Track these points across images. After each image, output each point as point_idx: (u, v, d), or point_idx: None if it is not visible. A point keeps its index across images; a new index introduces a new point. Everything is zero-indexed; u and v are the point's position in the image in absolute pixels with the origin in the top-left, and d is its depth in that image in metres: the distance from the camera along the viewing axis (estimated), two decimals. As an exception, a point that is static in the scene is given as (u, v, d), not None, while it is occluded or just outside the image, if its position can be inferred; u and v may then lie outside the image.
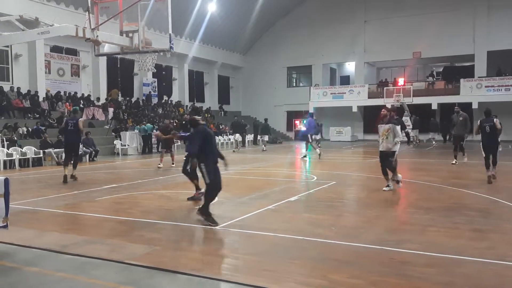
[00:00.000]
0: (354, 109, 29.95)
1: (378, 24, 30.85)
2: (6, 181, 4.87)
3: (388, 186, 8.50)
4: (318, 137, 21.76)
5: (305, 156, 16.21)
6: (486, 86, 26.25)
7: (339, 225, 5.88)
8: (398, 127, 8.52)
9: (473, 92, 26.28)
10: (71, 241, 5.15)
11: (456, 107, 13.54)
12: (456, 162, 13.14)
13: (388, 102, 27.26)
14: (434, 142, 24.54)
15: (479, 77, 27.39)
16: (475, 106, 25.73)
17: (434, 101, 27.22)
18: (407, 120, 26.08)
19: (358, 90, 30.06)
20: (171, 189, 9.34)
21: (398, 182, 8.54)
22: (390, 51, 30.05)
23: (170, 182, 10.60)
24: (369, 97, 29.05)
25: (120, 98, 25.16)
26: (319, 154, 16.20)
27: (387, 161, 8.42)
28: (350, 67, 34.48)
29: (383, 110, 9.89)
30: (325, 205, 7.38)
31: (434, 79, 31.40)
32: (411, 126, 25.55)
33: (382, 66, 34.52)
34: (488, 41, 27.64)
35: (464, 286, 3.71)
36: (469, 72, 28.46)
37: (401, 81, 28.81)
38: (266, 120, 24.03)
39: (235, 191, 8.83)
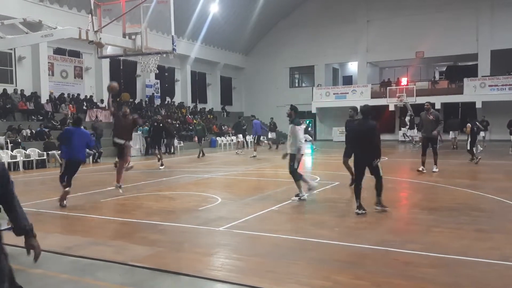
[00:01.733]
0: (357, 109, 29.91)
1: (380, 24, 30.78)
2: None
3: (298, 195, 7.53)
4: (271, 135, 22.47)
5: (254, 156, 17.17)
6: (489, 86, 26.13)
7: (342, 226, 5.86)
8: (298, 128, 7.50)
9: (476, 92, 26.17)
10: (74, 243, 5.17)
11: (426, 103, 11.19)
12: (423, 169, 11.00)
13: (391, 102, 27.25)
14: (414, 143, 24.38)
15: (482, 76, 27.28)
16: (478, 105, 25.63)
17: (437, 101, 27.08)
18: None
19: (361, 90, 29.99)
20: (174, 191, 9.35)
21: (297, 195, 7.54)
22: (393, 50, 29.97)
23: (173, 183, 10.62)
24: (372, 97, 28.95)
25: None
26: (255, 156, 17.12)
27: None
28: (352, 67, 34.40)
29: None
30: (328, 206, 7.37)
31: (437, 78, 31.32)
32: (408, 126, 25.25)
33: (385, 66, 34.42)
34: (491, 40, 27.52)
35: (469, 287, 3.69)
36: (472, 72, 28.35)
37: (404, 80, 28.70)
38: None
39: (238, 192, 8.84)
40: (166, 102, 28.36)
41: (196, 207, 7.30)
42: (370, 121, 6.54)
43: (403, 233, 5.52)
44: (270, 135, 23.33)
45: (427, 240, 5.04)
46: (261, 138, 21.83)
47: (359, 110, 6.95)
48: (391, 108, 27.61)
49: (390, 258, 4.42)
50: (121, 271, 4.22)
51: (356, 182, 6.62)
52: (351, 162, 7.55)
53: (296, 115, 7.68)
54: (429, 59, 31.13)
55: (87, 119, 21.42)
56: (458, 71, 30.42)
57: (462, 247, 4.72)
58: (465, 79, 26.94)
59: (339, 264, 4.29)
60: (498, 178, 10.29)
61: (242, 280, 3.88)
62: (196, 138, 18.39)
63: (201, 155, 18.25)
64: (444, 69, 33.19)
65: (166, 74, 28.88)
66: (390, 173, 11.44)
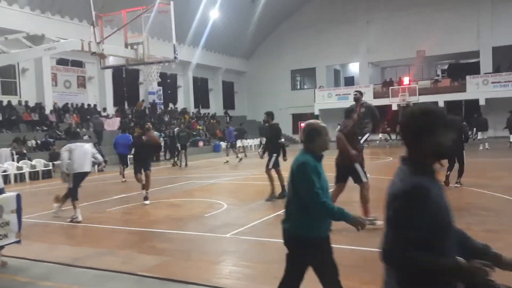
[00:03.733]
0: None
1: (381, 24, 30.77)
2: (18, 197, 4.95)
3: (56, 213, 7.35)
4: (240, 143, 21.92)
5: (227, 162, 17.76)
6: (492, 82, 26.02)
7: (349, 230, 5.83)
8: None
9: (479, 89, 26.06)
10: (82, 254, 5.19)
11: (355, 93, 8.11)
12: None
13: (394, 102, 27.19)
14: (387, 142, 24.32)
15: (485, 73, 27.17)
16: (482, 102, 25.51)
17: (440, 99, 27.04)
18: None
19: (363, 90, 29.90)
20: (179, 198, 9.36)
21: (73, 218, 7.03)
22: (394, 50, 29.94)
23: (178, 190, 10.63)
24: (374, 97, 28.87)
25: (126, 107, 25.42)
26: (240, 159, 18.12)
27: None
28: (354, 68, 34.39)
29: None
30: (334, 209, 7.34)
31: (439, 77, 31.25)
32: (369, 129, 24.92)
33: (386, 65, 34.38)
34: (493, 36, 27.43)
35: (478, 289, 3.67)
36: (474, 69, 28.26)
37: (406, 80, 28.64)
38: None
39: (244, 197, 8.84)
40: (169, 109, 28.48)
41: (202, 213, 7.31)
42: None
43: (411, 235, 5.49)
44: (239, 143, 21.31)
45: (435, 241, 5.01)
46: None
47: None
48: (394, 107, 27.56)
49: (398, 261, 4.39)
50: (129, 282, 4.24)
51: (449, 169, 8.72)
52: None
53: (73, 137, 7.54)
54: (431, 58, 31.06)
55: (91, 128, 21.54)
56: (460, 68, 30.32)
57: (470, 248, 4.68)
58: (467, 77, 26.83)
59: (346, 269, 4.25)
60: (505, 176, 10.20)
61: (249, 287, 3.88)
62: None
63: (184, 165, 16.49)
64: (446, 67, 33.11)
65: (168, 80, 29.03)
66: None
